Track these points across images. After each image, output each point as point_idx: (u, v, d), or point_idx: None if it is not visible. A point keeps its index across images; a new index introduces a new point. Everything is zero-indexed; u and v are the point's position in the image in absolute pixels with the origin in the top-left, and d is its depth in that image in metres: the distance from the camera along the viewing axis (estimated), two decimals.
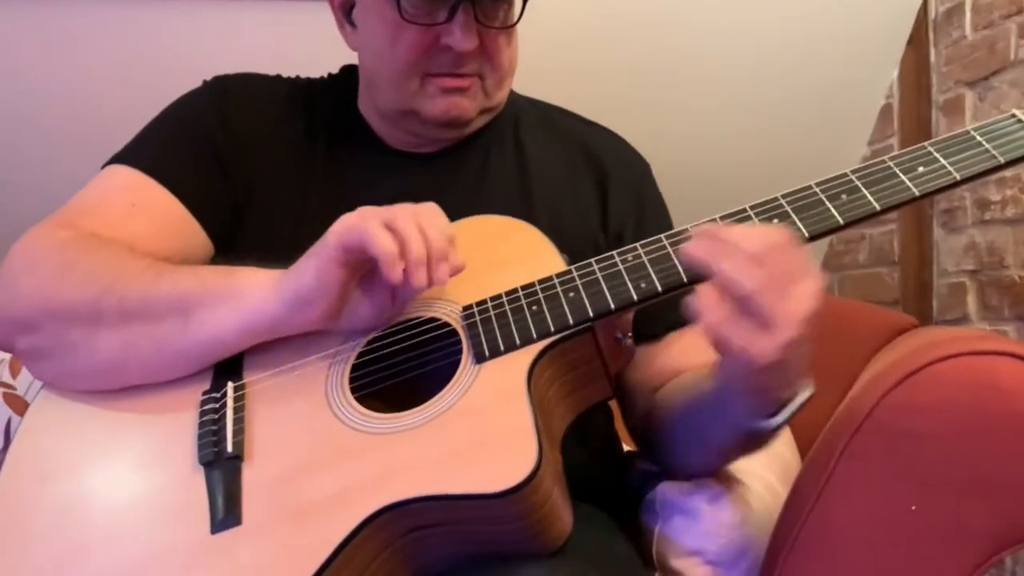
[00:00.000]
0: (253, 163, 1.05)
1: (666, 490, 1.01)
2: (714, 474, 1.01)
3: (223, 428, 0.84)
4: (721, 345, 0.72)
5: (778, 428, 0.80)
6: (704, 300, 0.72)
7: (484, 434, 0.77)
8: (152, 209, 0.99)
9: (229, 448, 0.82)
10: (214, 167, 1.04)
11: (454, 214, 0.95)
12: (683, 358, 1.02)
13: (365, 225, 0.80)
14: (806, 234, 0.81)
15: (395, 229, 0.80)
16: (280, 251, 0.88)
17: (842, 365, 1.40)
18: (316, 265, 0.82)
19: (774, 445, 1.25)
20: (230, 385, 0.87)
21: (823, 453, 0.81)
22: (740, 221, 0.83)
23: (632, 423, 1.09)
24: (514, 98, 1.16)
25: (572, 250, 0.90)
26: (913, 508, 0.74)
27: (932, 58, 2.05)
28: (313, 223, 1.02)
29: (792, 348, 0.70)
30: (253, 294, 0.85)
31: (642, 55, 1.98)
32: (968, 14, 1.91)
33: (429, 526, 0.77)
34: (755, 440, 0.86)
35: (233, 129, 1.05)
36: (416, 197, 1.03)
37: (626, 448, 1.18)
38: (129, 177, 1.00)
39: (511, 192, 1.08)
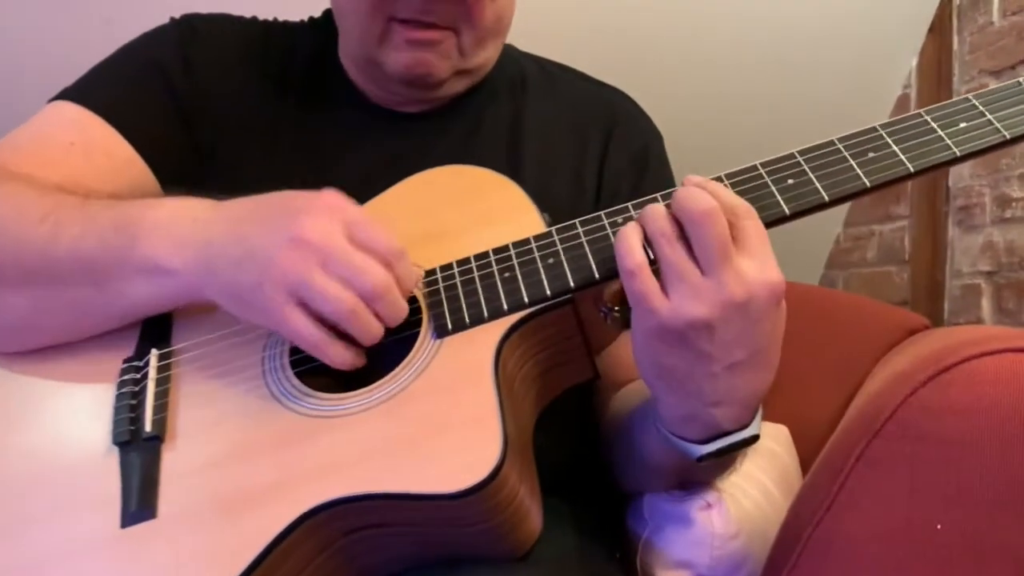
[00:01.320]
0: (218, 114, 0.95)
1: (654, 495, 0.91)
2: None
3: (143, 403, 0.73)
4: (629, 294, 0.68)
5: (707, 459, 0.73)
6: (626, 239, 0.69)
7: (440, 422, 0.67)
8: (94, 149, 0.88)
9: (147, 427, 0.72)
10: (172, 113, 0.93)
11: None
12: None
13: (306, 337, 0.69)
14: (826, 197, 0.71)
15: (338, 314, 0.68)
16: None
17: (848, 363, 1.30)
18: (253, 315, 0.72)
19: (771, 446, 1.16)
20: (154, 353, 0.76)
21: (836, 458, 0.70)
22: (750, 179, 0.73)
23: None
24: (515, 55, 1.06)
25: (559, 219, 0.79)
26: (939, 527, 0.63)
27: (955, 45, 1.94)
28: (280, 186, 0.92)
29: (698, 327, 0.66)
30: (174, 268, 0.73)
31: (653, 35, 1.87)
32: None
33: (375, 526, 0.68)
34: (688, 469, 0.78)
35: (198, 75, 0.95)
36: (396, 161, 0.94)
37: None
38: (73, 114, 0.90)
39: (499, 164, 0.96)
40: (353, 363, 0.70)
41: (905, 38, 2.02)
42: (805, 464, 1.18)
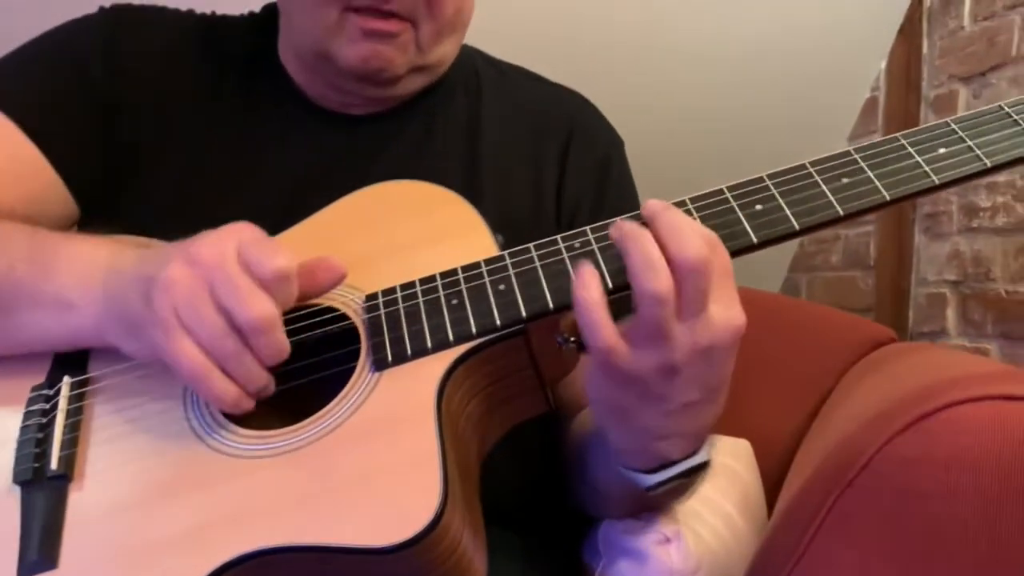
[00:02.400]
0: (142, 112, 0.87)
1: (610, 527, 0.86)
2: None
3: (50, 437, 0.67)
4: (584, 330, 0.62)
5: (657, 489, 0.70)
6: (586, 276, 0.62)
7: (375, 465, 0.61)
8: None
9: (53, 465, 0.65)
10: (89, 112, 0.86)
11: None
12: None
13: (188, 363, 0.62)
14: (796, 226, 0.66)
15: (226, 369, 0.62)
16: (166, 223, 0.72)
17: (811, 376, 1.26)
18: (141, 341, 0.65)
19: (731, 464, 1.11)
20: (66, 381, 0.70)
21: (803, 511, 0.64)
22: (716, 204, 0.67)
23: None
24: (471, 55, 0.99)
25: (517, 238, 0.73)
26: None
27: (924, 49, 1.91)
28: (211, 192, 0.85)
29: (664, 371, 0.61)
30: (77, 303, 0.68)
31: (622, 38, 1.82)
32: (968, 3, 1.78)
33: None
34: (643, 497, 0.74)
35: (121, 70, 0.88)
36: (338, 167, 0.88)
37: None
38: None
39: (455, 169, 0.91)
40: (237, 400, 0.63)
41: (873, 40, 1.99)
42: (767, 479, 1.14)
